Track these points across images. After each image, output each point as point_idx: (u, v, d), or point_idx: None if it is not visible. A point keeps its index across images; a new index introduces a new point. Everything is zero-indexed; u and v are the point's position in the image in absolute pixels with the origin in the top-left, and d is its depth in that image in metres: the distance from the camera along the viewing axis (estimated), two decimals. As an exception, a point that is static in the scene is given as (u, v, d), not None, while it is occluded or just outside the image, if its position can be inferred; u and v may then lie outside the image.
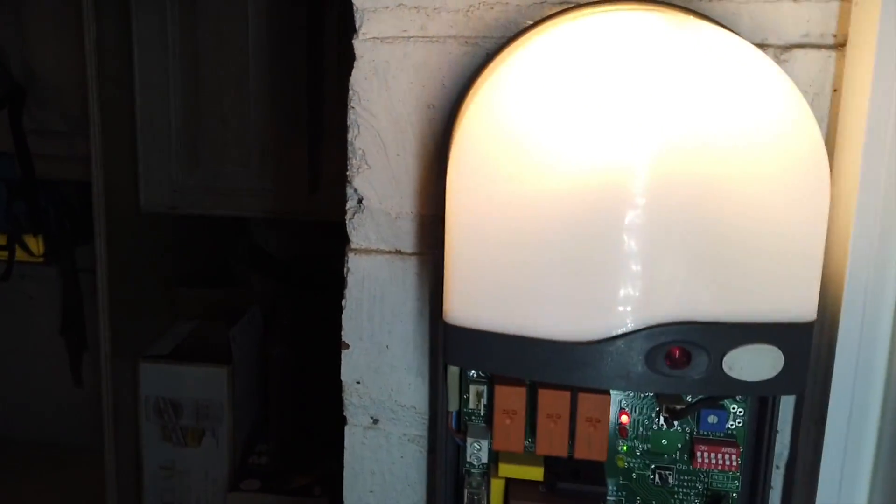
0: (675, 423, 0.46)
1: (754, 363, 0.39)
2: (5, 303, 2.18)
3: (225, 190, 1.54)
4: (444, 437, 0.49)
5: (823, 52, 0.44)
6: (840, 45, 0.44)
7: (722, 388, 0.39)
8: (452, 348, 0.42)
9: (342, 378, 0.53)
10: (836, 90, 0.44)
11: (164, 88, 1.50)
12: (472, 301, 0.41)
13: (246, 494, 1.54)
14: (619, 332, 0.39)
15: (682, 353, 0.39)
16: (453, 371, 0.47)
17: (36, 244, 2.07)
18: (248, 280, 1.88)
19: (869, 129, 0.40)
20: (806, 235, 0.39)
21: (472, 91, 0.45)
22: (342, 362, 0.53)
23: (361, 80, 0.48)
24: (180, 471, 1.62)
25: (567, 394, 0.45)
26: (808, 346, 0.39)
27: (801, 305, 0.39)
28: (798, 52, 0.44)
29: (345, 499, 0.55)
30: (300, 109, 1.47)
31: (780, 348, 0.39)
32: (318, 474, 1.56)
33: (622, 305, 0.39)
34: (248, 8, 1.44)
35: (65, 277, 2.10)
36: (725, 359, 0.39)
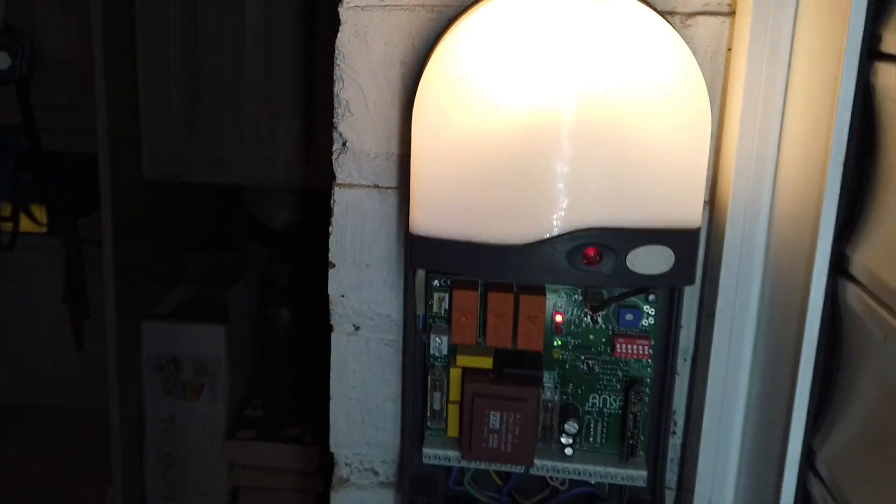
0: (599, 320, 0.57)
1: (651, 260, 0.49)
2: (10, 273, 2.27)
3: (223, 159, 1.63)
4: (413, 336, 0.60)
5: (719, 18, 0.55)
6: (732, 13, 0.54)
7: (626, 281, 0.50)
8: (417, 254, 0.53)
9: (329, 292, 0.64)
10: (729, 49, 0.54)
11: (165, 63, 1.59)
12: (431, 215, 0.52)
13: (242, 443, 1.64)
14: (547, 236, 0.50)
15: (596, 253, 0.50)
16: (420, 278, 0.57)
17: (40, 214, 2.16)
18: (244, 247, 1.97)
19: (748, 77, 0.51)
20: (692, 162, 0.49)
21: (435, 50, 0.55)
22: (329, 279, 0.63)
23: (345, 42, 0.58)
24: (180, 423, 1.71)
25: (511, 296, 0.56)
26: (695, 248, 0.50)
27: (688, 216, 0.49)
28: (700, 19, 0.55)
29: (331, 394, 0.66)
30: (295, 83, 1.57)
31: (671, 249, 0.49)
32: (310, 424, 1.66)
33: (549, 215, 0.50)
34: (246, -13, 1.54)
35: (68, 247, 2.19)
36: (629, 257, 0.49)
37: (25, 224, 2.19)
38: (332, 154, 0.61)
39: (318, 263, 1.90)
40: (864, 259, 0.44)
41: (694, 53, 0.53)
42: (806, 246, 0.46)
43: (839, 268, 0.46)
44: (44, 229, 2.28)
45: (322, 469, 1.65)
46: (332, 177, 0.62)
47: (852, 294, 0.45)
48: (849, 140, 0.43)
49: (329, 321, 0.64)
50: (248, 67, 1.59)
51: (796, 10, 0.48)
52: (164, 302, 1.77)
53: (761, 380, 0.53)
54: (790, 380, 0.47)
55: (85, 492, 1.94)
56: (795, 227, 0.48)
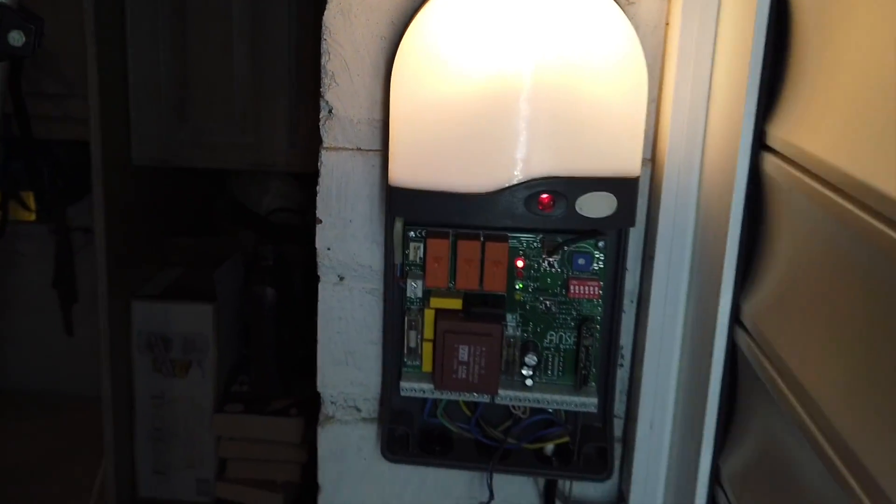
0: (556, 264, 0.65)
1: (597, 205, 0.57)
2: (-1, 260, 2.31)
3: (211, 144, 1.70)
4: (392, 282, 0.67)
5: (658, -2, 0.62)
6: (669, -6, 0.62)
7: (576, 223, 0.58)
8: (395, 203, 0.61)
9: (316, 246, 0.71)
10: (668, 23, 0.62)
11: (154, 51, 1.65)
12: (407, 169, 0.59)
13: (230, 416, 1.71)
14: (507, 185, 0.57)
15: (549, 199, 0.57)
16: (397, 229, 0.65)
17: (30, 201, 2.21)
18: (230, 231, 2.03)
19: (681, 48, 0.59)
20: (631, 120, 0.57)
21: (410, 25, 0.63)
22: (316, 234, 0.71)
23: (331, 18, 0.66)
24: (169, 399, 1.78)
25: (478, 243, 0.64)
26: (634, 194, 0.58)
27: (628, 166, 0.57)
28: (641, -1, 0.63)
29: (318, 339, 0.73)
30: (281, 69, 1.63)
31: (614, 195, 0.57)
32: (295, 398, 1.73)
33: (508, 167, 0.57)
34: (233, -23, 1.60)
35: (58, 234, 2.23)
36: (577, 202, 0.57)
37: (14, 212, 2.24)
38: (319, 121, 0.69)
39: (301, 246, 1.98)
40: (782, 133, 0.50)
41: (637, 28, 0.61)
42: (736, 125, 0.52)
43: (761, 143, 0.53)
44: (33, 217, 2.32)
45: (306, 440, 1.72)
46: (320, 141, 0.69)
47: (771, 164, 0.51)
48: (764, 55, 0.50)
49: (317, 272, 0.72)
50: (235, 55, 1.65)
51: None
52: (153, 283, 1.83)
53: (695, 308, 0.61)
54: (721, 250, 0.53)
55: (76, 471, 1.99)
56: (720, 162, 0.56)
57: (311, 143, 1.79)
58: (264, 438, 1.71)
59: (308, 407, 1.70)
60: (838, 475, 0.38)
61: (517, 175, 0.57)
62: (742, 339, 0.54)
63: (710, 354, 0.55)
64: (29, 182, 2.06)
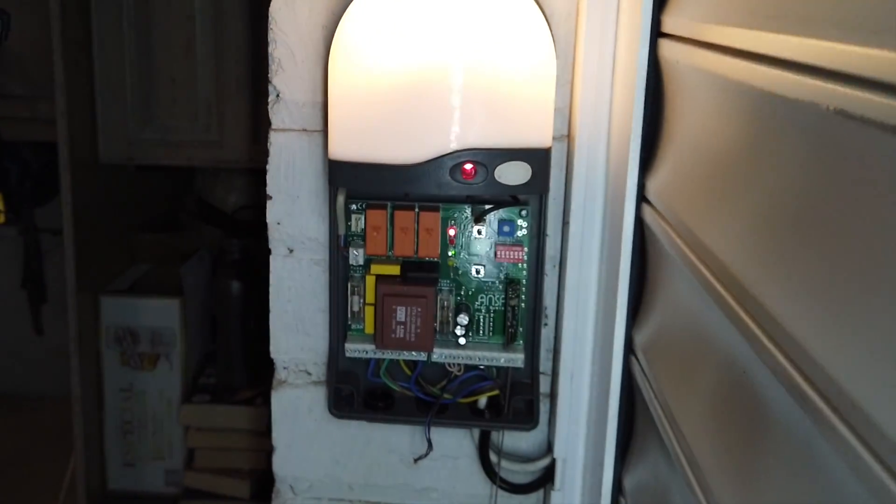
0: (483, 232, 0.71)
1: (514, 174, 0.64)
2: (-35, 263, 2.34)
3: (176, 142, 1.74)
4: (336, 251, 0.73)
5: (571, -10, 0.69)
6: (580, -14, 0.69)
7: (496, 190, 0.65)
8: (335, 175, 0.67)
9: (267, 220, 0.77)
10: (578, 11, 0.69)
11: (119, 51, 1.70)
12: (345, 144, 0.66)
13: (197, 406, 1.75)
14: (433, 156, 0.64)
15: (472, 168, 0.64)
16: (339, 203, 0.71)
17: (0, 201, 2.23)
18: (196, 228, 2.07)
19: (587, 35, 0.65)
20: (541, 98, 0.64)
21: (344, 15, 0.69)
22: (267, 210, 0.77)
23: (277, 9, 0.72)
24: (138, 392, 1.82)
25: (412, 213, 0.70)
26: (547, 163, 0.64)
27: (540, 138, 0.64)
28: (556, -9, 0.70)
29: (271, 308, 0.79)
30: (242, 68, 1.69)
31: (529, 164, 0.64)
32: (260, 389, 1.78)
33: (435, 140, 0.64)
34: (195, -20, 1.66)
35: (26, 235, 2.26)
36: (496, 171, 0.64)
37: (-17, 214, 2.26)
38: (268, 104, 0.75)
39: (265, 242, 2.01)
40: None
41: (551, 17, 0.68)
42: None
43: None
44: (1, 219, 2.34)
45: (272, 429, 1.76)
46: (269, 123, 0.75)
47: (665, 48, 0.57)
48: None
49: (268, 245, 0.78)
50: (198, 54, 1.71)
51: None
52: (121, 279, 1.87)
53: (606, 202, 0.67)
54: (625, 144, 0.59)
55: (46, 468, 2.02)
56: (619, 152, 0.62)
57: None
58: (231, 427, 1.75)
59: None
60: (742, 324, 0.41)
61: (443, 147, 0.64)
62: (648, 213, 0.59)
63: (621, 229, 0.59)
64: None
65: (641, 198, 0.60)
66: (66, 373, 2.45)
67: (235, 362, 1.81)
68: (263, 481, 1.75)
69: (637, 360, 0.62)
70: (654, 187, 0.58)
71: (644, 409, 0.60)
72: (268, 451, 1.81)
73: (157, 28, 1.70)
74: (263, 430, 1.75)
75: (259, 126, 1.72)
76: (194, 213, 2.08)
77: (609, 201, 0.66)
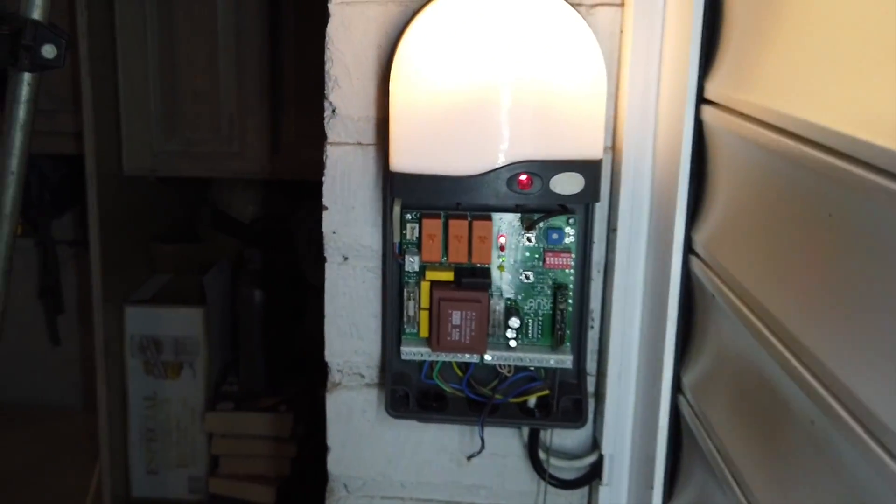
0: (533, 239, 0.75)
1: (567, 184, 0.68)
2: (-17, 274, 2.35)
3: (198, 154, 1.78)
4: (392, 258, 0.77)
5: (614, 8, 0.73)
6: (622, 4, 0.73)
7: (551, 200, 0.68)
8: (396, 187, 0.70)
9: (323, 230, 0.80)
10: (622, 31, 0.73)
11: (143, 66, 1.73)
12: (405, 156, 0.69)
13: (222, 414, 1.79)
14: (491, 168, 0.68)
15: (528, 179, 0.68)
16: (396, 211, 0.75)
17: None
18: (212, 238, 2.11)
19: (633, 50, 0.69)
20: (593, 113, 0.68)
21: (403, 36, 0.73)
22: (323, 220, 0.80)
23: (334, 30, 0.76)
24: (162, 400, 1.85)
25: (466, 222, 0.74)
26: (598, 174, 0.68)
27: (592, 150, 0.68)
28: (600, 9, 0.74)
29: (325, 314, 0.82)
30: (262, 83, 1.73)
31: (581, 175, 0.68)
32: (283, 395, 1.81)
33: (493, 153, 0.67)
34: (217, -3, 1.70)
35: (44, 246, 2.28)
36: (551, 182, 0.67)
37: (2, 224, 2.28)
38: (323, 119, 0.78)
39: (284, 252, 2.07)
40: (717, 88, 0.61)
41: (597, 33, 0.71)
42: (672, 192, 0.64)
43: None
44: (18, 231, 2.36)
45: (295, 435, 1.80)
46: (325, 137, 0.79)
47: (709, 115, 0.63)
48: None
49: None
50: (220, 69, 1.75)
51: (664, 4, 0.67)
52: (143, 289, 1.90)
53: (654, 241, 0.71)
54: (673, 191, 0.63)
55: (66, 478, 2.03)
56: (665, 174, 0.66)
57: (294, 152, 1.89)
58: (255, 434, 1.78)
59: (296, 403, 1.78)
60: (789, 366, 0.46)
61: (500, 159, 0.67)
62: (696, 266, 0.64)
63: (668, 278, 0.64)
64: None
65: (689, 249, 0.64)
66: (82, 383, 2.48)
67: (258, 370, 1.84)
68: (287, 487, 1.78)
69: (685, 398, 0.66)
70: (700, 238, 0.63)
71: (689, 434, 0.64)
72: (291, 457, 1.84)
73: (181, 43, 1.74)
74: (287, 437, 1.78)
75: (279, 138, 1.76)
76: (208, 222, 2.11)
77: (657, 183, 0.70)
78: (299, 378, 1.85)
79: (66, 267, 2.33)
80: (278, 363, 1.87)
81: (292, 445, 1.79)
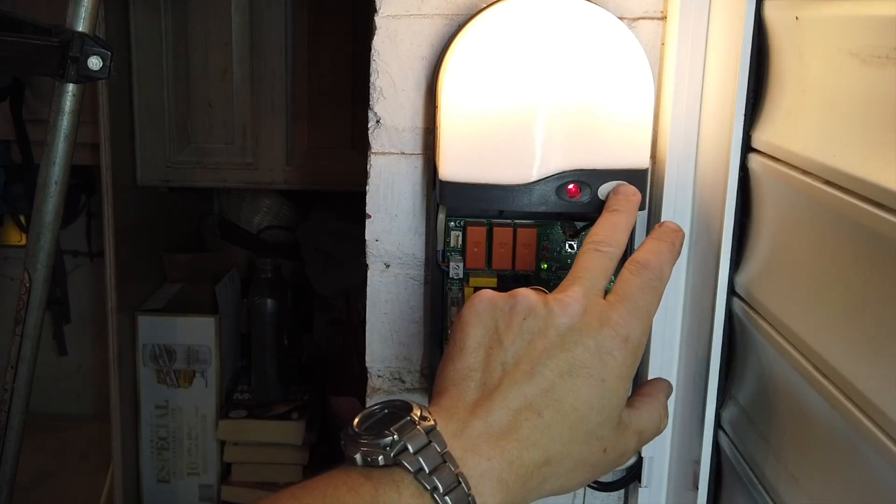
0: (575, 246, 0.77)
1: (615, 192, 0.70)
2: (-11, 284, 2.36)
3: (211, 164, 1.80)
4: (435, 265, 0.79)
5: (655, 21, 0.76)
6: (664, 18, 0.75)
7: (599, 207, 0.70)
8: (444, 195, 0.72)
9: (366, 237, 0.82)
10: (663, 44, 0.75)
11: (158, 77, 1.75)
12: (454, 166, 0.71)
13: (234, 421, 1.79)
14: (540, 177, 0.70)
15: (576, 188, 0.70)
16: (441, 218, 0.76)
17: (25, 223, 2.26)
18: (221, 247, 2.12)
19: (678, 63, 0.72)
20: (640, 123, 0.70)
21: (450, 49, 0.75)
22: (366, 227, 0.82)
23: (380, 42, 0.77)
24: (174, 409, 1.85)
25: (510, 230, 0.75)
26: (644, 182, 0.70)
27: (639, 160, 0.70)
28: (642, 22, 0.76)
29: (367, 319, 0.84)
30: (277, 93, 1.74)
31: (629, 183, 0.70)
32: (296, 403, 1.82)
33: (543, 162, 0.69)
34: (232, 6, 1.71)
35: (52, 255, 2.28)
36: (600, 190, 0.69)
37: (10, 234, 2.29)
38: (367, 129, 0.80)
39: (292, 261, 2.07)
40: (766, 136, 0.63)
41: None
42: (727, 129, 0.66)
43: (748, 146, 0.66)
44: (22, 241, 2.37)
45: (307, 443, 1.80)
46: (368, 146, 0.80)
47: (756, 163, 0.65)
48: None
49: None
50: (234, 80, 1.76)
51: (709, 15, 0.69)
52: (156, 297, 1.91)
53: (694, 283, 0.73)
54: (717, 236, 0.66)
55: (75, 487, 2.03)
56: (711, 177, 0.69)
57: (309, 162, 1.90)
58: (268, 442, 1.79)
59: (307, 411, 1.79)
60: (831, 397, 0.50)
61: (550, 168, 0.69)
62: (738, 307, 0.67)
63: (711, 321, 0.67)
64: (27, 205, 2.12)
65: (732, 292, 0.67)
66: (90, 392, 2.48)
67: (270, 378, 1.85)
68: (300, 494, 1.78)
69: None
70: (742, 280, 0.66)
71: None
72: (304, 464, 1.85)
73: (195, 54, 1.75)
74: (299, 444, 1.79)
75: (293, 148, 1.77)
76: (217, 232, 2.12)
77: (698, 217, 0.72)
78: (310, 385, 1.86)
79: (71, 277, 2.33)
80: (289, 371, 1.88)
81: (304, 453, 1.80)
